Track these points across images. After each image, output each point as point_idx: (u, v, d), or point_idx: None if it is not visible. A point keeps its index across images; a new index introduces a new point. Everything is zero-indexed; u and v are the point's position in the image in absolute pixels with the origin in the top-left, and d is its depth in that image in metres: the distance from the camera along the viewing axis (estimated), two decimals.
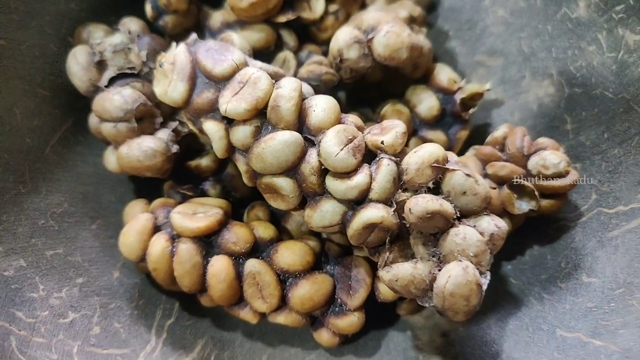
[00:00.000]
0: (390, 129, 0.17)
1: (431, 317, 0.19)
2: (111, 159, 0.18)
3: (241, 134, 0.16)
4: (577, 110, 0.21)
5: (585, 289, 0.18)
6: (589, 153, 0.20)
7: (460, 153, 0.20)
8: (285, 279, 0.17)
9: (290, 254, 0.17)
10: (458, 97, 0.20)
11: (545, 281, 0.19)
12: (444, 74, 0.20)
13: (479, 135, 0.22)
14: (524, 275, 0.20)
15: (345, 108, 0.22)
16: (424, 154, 0.16)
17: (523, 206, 0.19)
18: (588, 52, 0.20)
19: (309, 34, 0.21)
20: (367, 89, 0.22)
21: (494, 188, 0.19)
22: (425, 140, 0.20)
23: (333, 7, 0.21)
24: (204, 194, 0.19)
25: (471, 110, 0.20)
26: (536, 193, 0.18)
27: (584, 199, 0.20)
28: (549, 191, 0.18)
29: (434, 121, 0.20)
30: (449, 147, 0.20)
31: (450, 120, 0.20)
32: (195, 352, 0.18)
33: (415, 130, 0.20)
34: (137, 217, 0.17)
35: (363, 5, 0.22)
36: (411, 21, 0.21)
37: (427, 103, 0.20)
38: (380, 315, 0.19)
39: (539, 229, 0.20)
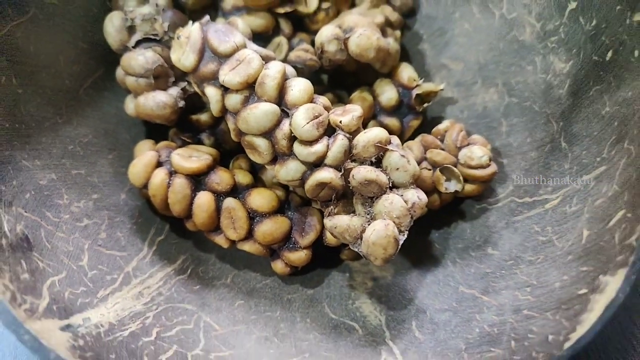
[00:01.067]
0: (349, 112, 0.21)
1: (367, 264, 0.24)
2: (130, 105, 0.23)
3: (233, 100, 0.21)
4: (511, 117, 0.25)
5: (487, 258, 0.23)
6: (514, 152, 0.25)
7: (411, 138, 0.25)
8: (254, 216, 0.22)
9: (260, 198, 0.22)
10: (414, 92, 0.24)
11: (461, 249, 0.24)
12: (405, 73, 0.24)
13: (433, 125, 0.26)
14: (446, 242, 0.24)
15: (327, 88, 0.26)
16: (371, 135, 0.21)
17: (450, 187, 0.23)
18: (526, 70, 0.25)
19: (303, 25, 0.25)
20: (345, 75, 0.26)
21: (430, 169, 0.23)
22: (382, 125, 0.24)
23: (325, 5, 0.25)
24: (200, 142, 0.24)
25: (425, 105, 0.25)
26: (461, 178, 0.23)
27: (503, 188, 0.24)
28: (472, 178, 0.23)
29: (392, 110, 0.24)
30: (401, 132, 0.25)
31: (405, 111, 0.25)
32: (177, 263, 0.23)
33: (375, 115, 0.24)
34: (145, 153, 0.22)
35: (352, 4, 0.27)
36: (387, 25, 0.25)
37: (388, 94, 0.24)
38: (326, 257, 0.24)
39: (464, 208, 0.25)
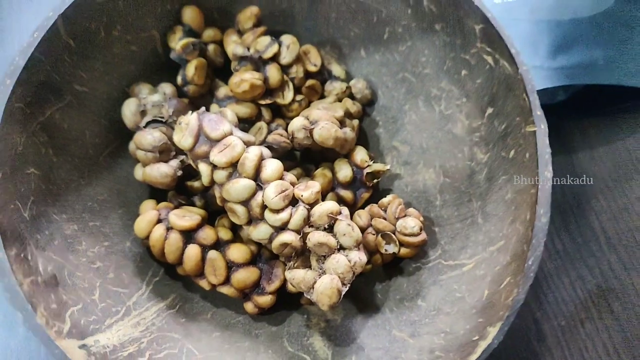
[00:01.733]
0: (310, 188, 0.27)
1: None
2: (139, 172, 0.29)
3: (220, 175, 0.27)
4: (444, 194, 0.31)
5: (417, 308, 0.28)
6: (444, 223, 0.30)
7: (362, 207, 0.31)
8: (231, 266, 0.28)
9: (237, 252, 0.28)
10: (365, 171, 0.30)
11: (398, 300, 0.29)
12: (359, 155, 0.30)
13: (382, 195, 0.32)
14: (387, 293, 0.30)
15: (298, 162, 0.33)
16: (325, 207, 0.27)
17: (389, 249, 0.29)
18: (457, 157, 0.31)
19: (280, 112, 0.32)
20: (313, 153, 0.32)
21: (374, 234, 0.29)
22: (338, 196, 0.30)
23: (299, 97, 0.32)
24: (192, 204, 0.30)
25: (375, 180, 0.31)
26: (397, 243, 0.29)
27: (434, 251, 0.30)
28: (406, 243, 0.29)
29: (347, 184, 0.30)
30: (354, 203, 0.31)
31: (358, 185, 0.31)
32: (168, 300, 0.28)
33: (334, 187, 0.31)
34: (148, 212, 0.28)
35: (322, 96, 0.33)
36: (347, 116, 0.31)
37: (344, 172, 0.30)
38: (289, 301, 0.30)
39: (403, 266, 0.30)
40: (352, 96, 0.33)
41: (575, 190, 0.36)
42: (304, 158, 0.33)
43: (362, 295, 0.30)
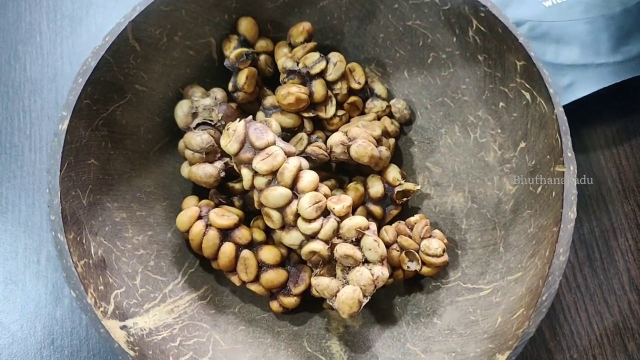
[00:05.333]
0: (342, 201, 0.29)
1: None
2: (185, 170, 0.31)
3: (260, 181, 0.29)
4: (470, 218, 0.32)
5: (432, 325, 0.30)
6: (467, 247, 0.32)
7: (390, 223, 0.32)
8: (262, 266, 0.30)
9: (269, 253, 0.30)
10: (396, 189, 0.32)
11: (415, 315, 0.31)
12: (391, 173, 0.32)
13: (411, 213, 0.34)
14: (405, 307, 0.31)
15: (333, 173, 0.34)
16: (354, 221, 0.28)
17: (412, 266, 0.31)
18: (486, 185, 0.32)
19: (322, 125, 0.33)
20: (349, 166, 0.34)
21: (399, 251, 0.31)
22: (368, 211, 0.32)
23: (340, 112, 0.33)
24: (231, 203, 0.32)
25: (405, 199, 0.32)
26: (420, 261, 0.30)
27: (454, 273, 0.31)
28: (428, 263, 0.30)
29: (378, 200, 0.32)
30: (383, 218, 0.32)
31: (388, 202, 0.32)
32: (201, 291, 0.30)
33: (364, 202, 0.32)
34: (190, 207, 0.30)
35: (362, 112, 0.35)
36: (384, 135, 0.33)
37: (376, 188, 0.32)
38: (312, 304, 0.31)
39: (423, 283, 0.32)
40: (391, 115, 0.35)
41: (603, 226, 0.37)
42: (339, 169, 0.35)
43: (381, 306, 0.32)
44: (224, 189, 0.32)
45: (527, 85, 0.29)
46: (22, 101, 0.37)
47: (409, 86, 0.35)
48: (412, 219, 0.31)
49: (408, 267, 0.30)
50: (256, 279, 0.30)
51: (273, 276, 0.30)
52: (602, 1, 0.39)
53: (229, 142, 0.29)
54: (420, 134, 0.35)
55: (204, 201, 0.31)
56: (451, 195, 0.33)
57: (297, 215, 0.28)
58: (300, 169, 0.29)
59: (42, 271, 0.33)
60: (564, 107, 0.36)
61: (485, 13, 0.29)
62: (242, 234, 0.30)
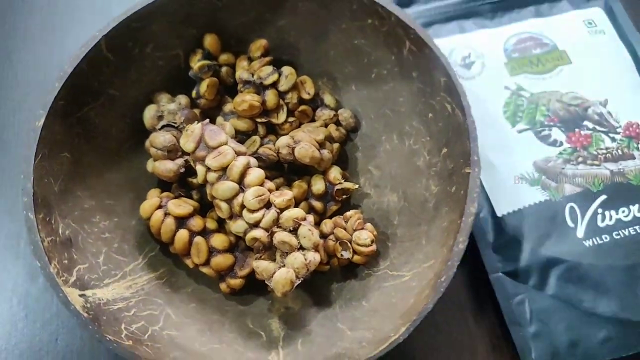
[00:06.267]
0: (283, 195, 0.33)
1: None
2: (150, 165, 0.36)
3: (211, 176, 0.33)
4: (401, 215, 0.36)
5: (361, 307, 0.34)
6: (397, 240, 0.36)
7: (330, 217, 0.36)
8: (212, 251, 0.34)
9: (218, 240, 0.34)
10: (336, 188, 0.36)
11: (348, 299, 0.35)
12: (332, 173, 0.36)
13: (354, 209, 0.38)
14: (340, 292, 0.35)
15: (285, 172, 0.38)
16: (292, 213, 0.32)
17: (345, 255, 0.35)
18: (416, 186, 0.36)
19: (275, 129, 0.38)
20: (298, 167, 0.38)
21: (334, 241, 0.35)
22: (311, 206, 0.36)
23: (291, 119, 0.37)
24: (190, 196, 0.36)
25: (344, 196, 0.37)
26: (351, 250, 0.34)
27: (384, 262, 0.35)
28: (358, 252, 0.34)
29: (319, 197, 0.36)
30: (324, 212, 0.36)
31: (329, 198, 0.36)
32: (159, 272, 0.34)
33: (307, 197, 0.36)
34: (152, 198, 0.34)
35: (312, 119, 0.39)
36: (328, 139, 0.37)
37: (317, 186, 0.36)
38: (258, 287, 0.35)
39: (357, 271, 0.36)
40: (338, 123, 0.39)
41: None
42: (290, 169, 0.39)
43: (320, 291, 0.36)
44: (184, 184, 0.37)
45: (448, 99, 0.33)
46: (13, 102, 0.41)
47: (356, 98, 0.39)
48: (347, 214, 0.35)
49: (342, 255, 0.34)
50: (207, 263, 0.34)
51: (221, 260, 0.34)
52: None
53: (187, 141, 0.33)
54: (365, 141, 0.39)
55: (165, 193, 0.35)
56: (387, 195, 0.37)
57: (243, 206, 0.33)
58: (248, 167, 0.33)
59: (21, 253, 0.38)
60: None
61: (414, 35, 0.34)
62: (196, 223, 0.34)
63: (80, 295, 0.28)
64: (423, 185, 0.35)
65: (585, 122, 0.41)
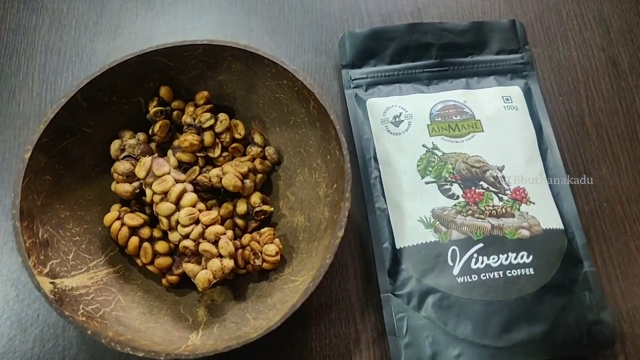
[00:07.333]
0: (209, 215, 0.44)
1: (212, 291, 0.46)
2: (113, 186, 0.47)
3: (156, 198, 0.44)
4: (305, 233, 0.46)
5: (265, 303, 0.44)
6: (299, 252, 0.46)
7: (250, 232, 0.47)
8: (156, 254, 0.45)
9: (161, 246, 0.45)
10: (255, 209, 0.47)
11: (258, 296, 0.45)
12: (253, 198, 0.47)
13: (273, 226, 0.48)
14: (254, 290, 0.46)
15: (220, 195, 0.49)
16: (214, 229, 0.43)
17: (256, 262, 0.45)
18: (317, 211, 0.46)
19: (212, 162, 0.49)
20: (229, 191, 0.49)
21: (250, 251, 0.45)
22: (234, 222, 0.47)
23: (225, 153, 0.48)
24: (144, 211, 0.47)
25: (263, 216, 0.47)
26: (262, 259, 0.45)
27: (288, 269, 0.46)
28: (266, 261, 0.45)
29: (242, 216, 0.47)
30: (245, 228, 0.47)
31: (250, 217, 0.47)
32: (116, 268, 0.45)
33: (232, 216, 0.47)
34: (113, 211, 0.46)
35: (244, 154, 0.50)
36: (253, 171, 0.48)
37: (241, 207, 0.47)
38: (192, 282, 0.46)
39: (268, 275, 0.46)
40: (264, 157, 0.49)
41: None
42: (225, 193, 0.50)
43: (239, 289, 0.46)
44: (140, 201, 0.48)
45: (337, 147, 0.44)
46: (14, 130, 0.53)
47: (279, 138, 0.50)
48: (262, 230, 0.46)
49: (254, 262, 0.45)
50: (152, 262, 0.45)
51: (162, 261, 0.45)
52: (502, 287, 0.44)
53: (140, 170, 0.44)
54: (285, 172, 0.50)
55: (124, 208, 0.46)
56: (298, 216, 0.48)
57: (177, 222, 0.43)
58: (184, 192, 0.44)
59: (14, 248, 0.49)
60: None
61: (315, 96, 0.44)
62: (145, 232, 0.45)
63: (51, 283, 0.40)
64: (321, 210, 0.46)
65: (482, 182, 0.47)
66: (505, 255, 0.46)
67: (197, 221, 0.43)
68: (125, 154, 0.47)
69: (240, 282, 0.47)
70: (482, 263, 0.45)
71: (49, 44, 0.56)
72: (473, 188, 0.48)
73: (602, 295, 0.46)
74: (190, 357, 0.37)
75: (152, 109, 0.47)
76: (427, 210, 0.48)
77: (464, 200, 0.48)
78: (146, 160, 0.44)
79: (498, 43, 0.56)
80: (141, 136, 0.48)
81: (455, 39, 0.55)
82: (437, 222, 0.47)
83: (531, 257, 0.46)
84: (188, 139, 0.46)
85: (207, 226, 0.43)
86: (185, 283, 0.46)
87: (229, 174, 0.45)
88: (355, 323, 0.47)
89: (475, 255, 0.46)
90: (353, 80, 0.54)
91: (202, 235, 0.43)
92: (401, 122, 0.51)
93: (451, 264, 0.46)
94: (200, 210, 0.44)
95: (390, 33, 0.55)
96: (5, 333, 0.46)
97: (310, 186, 0.48)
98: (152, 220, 0.47)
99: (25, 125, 0.53)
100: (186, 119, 0.47)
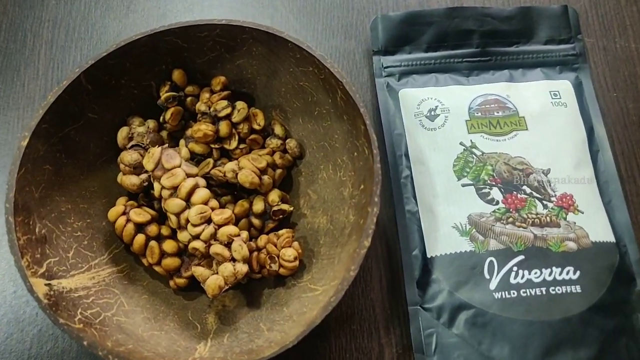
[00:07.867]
0: (222, 214, 0.40)
1: (224, 296, 0.42)
2: (119, 178, 0.43)
3: (165, 193, 0.40)
4: (327, 237, 0.42)
5: (281, 312, 0.40)
6: (319, 257, 0.42)
7: (267, 233, 0.43)
8: (164, 253, 0.41)
9: (169, 245, 0.41)
10: (273, 208, 0.42)
11: (273, 303, 0.41)
12: (271, 196, 0.43)
13: (291, 227, 0.44)
14: (269, 298, 0.42)
15: (234, 191, 0.45)
16: (227, 229, 0.39)
17: (273, 267, 0.41)
18: (340, 212, 0.42)
19: (228, 154, 0.44)
20: (243, 186, 0.45)
21: (266, 255, 0.41)
22: (250, 222, 0.43)
23: (242, 146, 0.44)
24: (152, 206, 0.43)
25: (281, 216, 0.43)
26: (278, 264, 0.41)
27: (307, 275, 0.41)
28: (283, 266, 0.41)
29: (258, 215, 0.43)
30: (262, 229, 0.43)
31: (267, 217, 0.43)
32: (120, 267, 0.42)
33: (248, 215, 0.43)
34: (119, 205, 0.42)
35: (263, 146, 0.45)
36: (272, 166, 0.43)
37: (257, 206, 0.42)
38: (200, 285, 0.42)
39: (285, 281, 0.42)
40: (285, 150, 0.45)
41: None
42: (241, 189, 0.45)
43: (253, 294, 0.42)
44: (148, 195, 0.44)
45: (366, 144, 0.39)
46: (18, 111, 0.49)
47: (302, 130, 0.45)
48: (280, 232, 0.42)
49: (270, 267, 0.41)
50: (159, 263, 0.41)
51: (170, 262, 0.41)
52: (545, 305, 0.40)
53: (148, 162, 0.40)
54: (307, 167, 0.45)
55: (130, 202, 0.42)
56: (319, 217, 0.44)
57: (188, 220, 0.39)
58: (195, 187, 0.40)
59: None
60: None
61: (343, 86, 0.40)
62: (152, 229, 0.41)
63: (46, 284, 0.36)
64: (345, 213, 0.42)
65: (524, 187, 0.43)
66: (549, 270, 0.41)
67: (209, 220, 0.39)
68: (133, 142, 0.43)
69: (254, 286, 0.43)
70: (522, 278, 0.41)
71: (57, 19, 0.52)
72: (515, 193, 0.44)
73: None
74: None
75: (164, 94, 0.43)
76: (462, 215, 0.43)
77: (504, 206, 0.43)
78: (155, 150, 0.40)
79: (547, 31, 0.50)
80: (151, 124, 0.43)
81: (499, 26, 0.50)
82: (474, 230, 0.43)
83: (578, 272, 0.41)
84: (202, 128, 0.42)
85: (219, 226, 0.39)
86: (195, 285, 0.42)
87: (246, 170, 0.41)
88: (379, 336, 0.43)
89: (515, 268, 0.41)
90: (385, 68, 0.49)
91: (213, 237, 0.39)
92: (437, 116, 0.47)
93: (488, 277, 0.41)
94: (212, 209, 0.40)
95: (428, 17, 0.50)
96: (2, 331, 0.43)
97: (335, 185, 0.43)
98: (161, 216, 0.43)
99: (30, 107, 0.49)
100: (200, 106, 0.43)
